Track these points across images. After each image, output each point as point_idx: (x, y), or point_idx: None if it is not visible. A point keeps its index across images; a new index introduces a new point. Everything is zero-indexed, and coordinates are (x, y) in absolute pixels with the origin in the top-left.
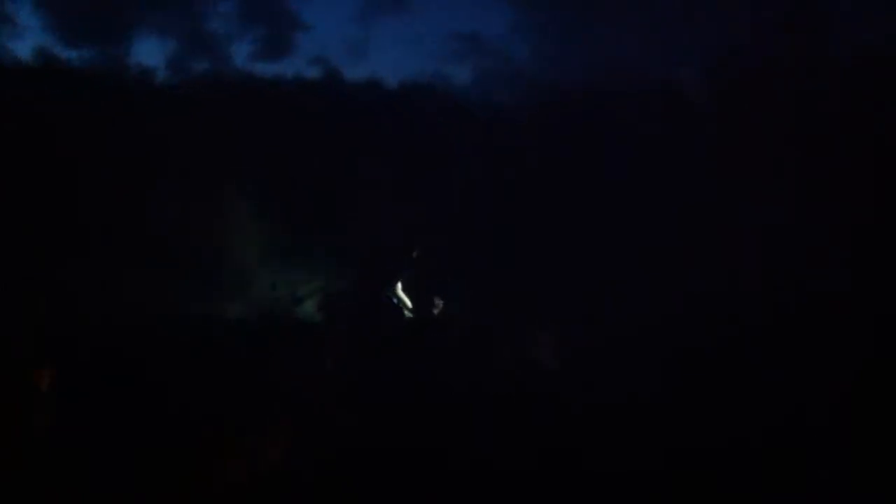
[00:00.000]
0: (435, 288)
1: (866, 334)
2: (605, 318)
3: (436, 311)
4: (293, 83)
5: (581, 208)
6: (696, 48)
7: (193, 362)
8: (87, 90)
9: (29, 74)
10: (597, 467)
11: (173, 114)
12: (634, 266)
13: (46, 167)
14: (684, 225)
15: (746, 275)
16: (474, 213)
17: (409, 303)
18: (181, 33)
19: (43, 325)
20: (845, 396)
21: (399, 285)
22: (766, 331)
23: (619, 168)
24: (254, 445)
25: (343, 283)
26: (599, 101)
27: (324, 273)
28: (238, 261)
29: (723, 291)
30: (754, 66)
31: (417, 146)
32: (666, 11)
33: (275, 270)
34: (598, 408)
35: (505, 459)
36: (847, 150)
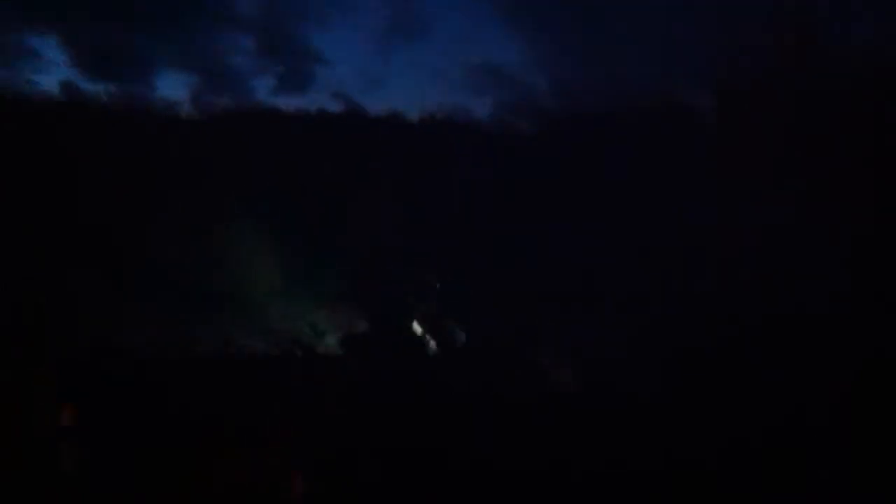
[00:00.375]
0: (457, 319)
1: (866, 334)
2: (617, 328)
3: (457, 344)
4: (314, 116)
5: (598, 228)
6: (709, 71)
7: (213, 392)
8: (112, 123)
9: (55, 107)
10: (600, 468)
11: (196, 146)
12: (647, 279)
13: (71, 198)
14: (694, 240)
15: (749, 285)
16: (494, 241)
17: (429, 335)
18: (204, 68)
19: (63, 355)
20: (845, 396)
21: (419, 318)
22: (766, 333)
23: (634, 189)
24: (269, 477)
25: (364, 315)
26: (615, 124)
27: (345, 305)
28: (259, 292)
29: (724, 303)
30: (763, 85)
31: (439, 177)
32: (679, 37)
33: (296, 302)
34: (603, 411)
35: (511, 462)
36: (851, 161)
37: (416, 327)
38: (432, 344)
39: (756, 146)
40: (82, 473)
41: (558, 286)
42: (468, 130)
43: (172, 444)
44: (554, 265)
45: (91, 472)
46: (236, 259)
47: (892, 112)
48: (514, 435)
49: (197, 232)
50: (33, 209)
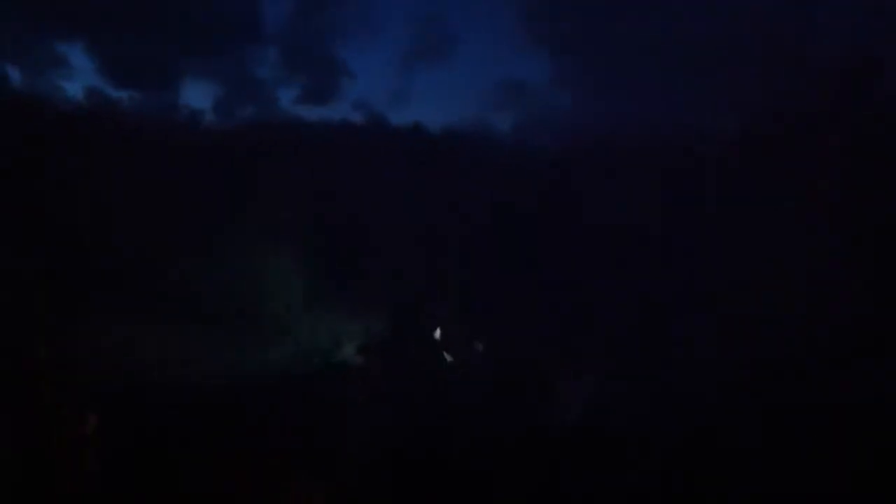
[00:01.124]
0: (474, 331)
1: None
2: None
3: (474, 355)
4: (337, 127)
5: (616, 251)
6: (731, 103)
7: (237, 407)
8: (135, 130)
9: (80, 113)
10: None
11: (218, 155)
12: (664, 304)
13: (94, 205)
14: (714, 271)
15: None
16: (513, 255)
17: (447, 345)
18: (229, 78)
19: (88, 373)
20: None
21: (438, 329)
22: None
23: (655, 214)
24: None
25: (382, 325)
26: (637, 149)
27: (364, 316)
28: (277, 302)
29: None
30: (790, 123)
31: (459, 190)
32: (704, 67)
33: (315, 313)
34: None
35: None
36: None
37: (437, 335)
38: (448, 355)
39: (788, 196)
40: (102, 478)
41: (574, 304)
42: (489, 144)
43: (192, 454)
44: (570, 282)
45: (111, 477)
46: (256, 269)
47: None
48: (520, 455)
49: (218, 241)
50: (54, 214)
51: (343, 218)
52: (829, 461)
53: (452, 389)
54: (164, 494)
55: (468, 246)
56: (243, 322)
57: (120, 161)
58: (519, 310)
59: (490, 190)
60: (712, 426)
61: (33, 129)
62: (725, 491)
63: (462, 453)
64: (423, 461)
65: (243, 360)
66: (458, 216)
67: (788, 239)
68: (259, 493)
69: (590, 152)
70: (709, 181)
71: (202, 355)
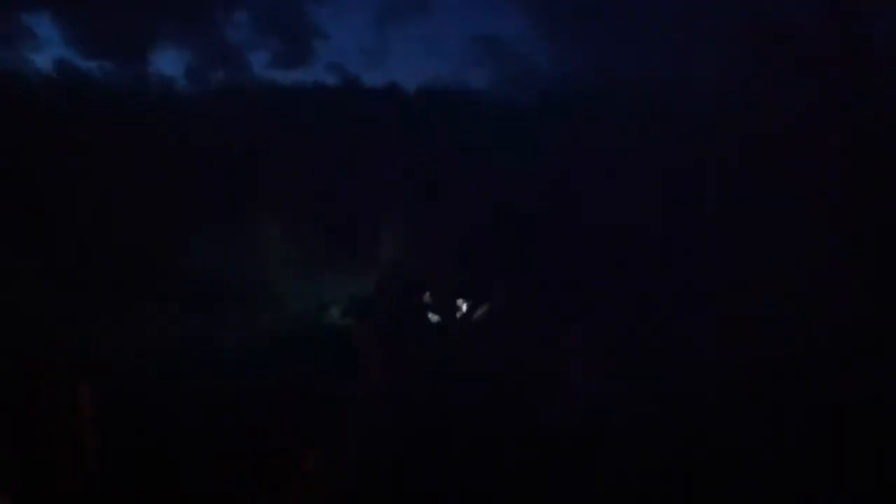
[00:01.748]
0: (460, 292)
1: None
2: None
3: (459, 314)
4: (312, 91)
5: (601, 210)
6: (712, 53)
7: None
8: (107, 101)
9: (49, 86)
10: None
11: (193, 123)
12: (653, 271)
13: (68, 182)
14: (703, 231)
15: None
16: (494, 217)
17: (434, 306)
18: (199, 43)
19: (81, 345)
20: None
21: (426, 291)
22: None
23: (638, 169)
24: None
25: (368, 288)
26: (618, 101)
27: (348, 279)
28: (262, 271)
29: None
30: (790, 123)
31: (437, 149)
32: (684, 18)
33: (299, 279)
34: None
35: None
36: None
37: (426, 298)
38: (433, 315)
39: (771, 147)
40: (102, 478)
41: (558, 270)
42: (466, 101)
43: (192, 454)
44: (552, 243)
45: (111, 477)
46: (236, 237)
47: None
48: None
49: (195, 211)
50: (31, 195)
51: (324, 184)
52: (829, 461)
53: (450, 380)
54: (163, 494)
55: (452, 206)
56: (232, 294)
57: (95, 131)
58: (515, 302)
59: (471, 145)
60: (712, 426)
61: (9, 106)
62: (725, 491)
63: (461, 452)
64: (420, 460)
65: (235, 338)
66: (440, 173)
67: (788, 239)
68: (259, 493)
69: (572, 109)
70: (708, 180)
71: (198, 341)
